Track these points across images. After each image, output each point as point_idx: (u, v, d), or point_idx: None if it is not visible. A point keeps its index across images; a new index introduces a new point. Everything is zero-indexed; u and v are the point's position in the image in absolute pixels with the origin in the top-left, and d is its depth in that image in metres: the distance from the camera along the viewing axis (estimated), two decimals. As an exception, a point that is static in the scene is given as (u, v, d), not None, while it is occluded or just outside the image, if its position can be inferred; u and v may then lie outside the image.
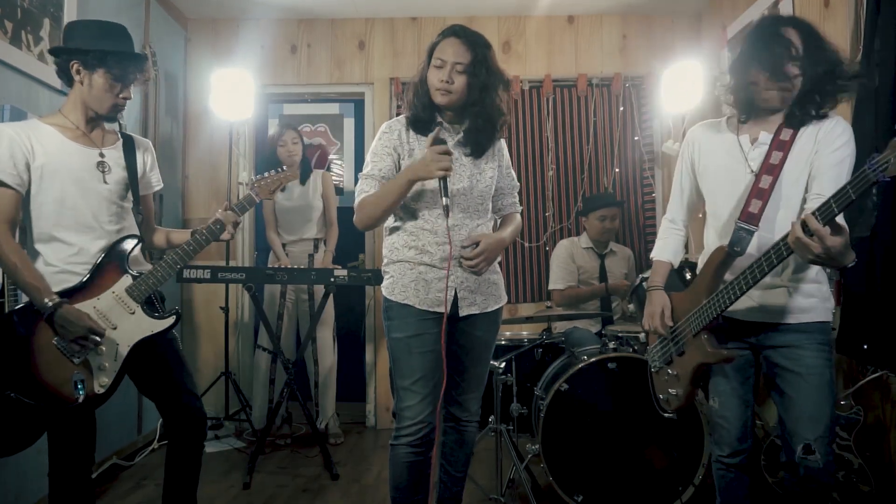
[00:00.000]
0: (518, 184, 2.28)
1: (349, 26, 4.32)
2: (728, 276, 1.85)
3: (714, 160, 1.96)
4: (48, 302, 1.89)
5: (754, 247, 1.80)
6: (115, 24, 2.09)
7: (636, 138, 4.25)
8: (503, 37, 4.30)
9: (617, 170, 4.24)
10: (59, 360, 1.94)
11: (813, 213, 1.50)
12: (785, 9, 3.14)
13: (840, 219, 1.51)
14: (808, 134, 1.79)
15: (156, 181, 2.28)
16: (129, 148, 2.17)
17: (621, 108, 4.26)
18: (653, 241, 4.14)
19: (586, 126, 4.26)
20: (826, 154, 1.75)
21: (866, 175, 1.39)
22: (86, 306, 1.97)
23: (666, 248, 2.13)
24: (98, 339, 1.94)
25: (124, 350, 2.01)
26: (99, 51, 1.97)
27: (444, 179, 1.92)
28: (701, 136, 2.01)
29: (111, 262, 2.04)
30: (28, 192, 1.96)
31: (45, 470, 2.10)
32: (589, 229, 3.69)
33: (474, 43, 2.00)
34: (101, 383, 1.97)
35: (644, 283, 2.70)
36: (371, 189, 2.04)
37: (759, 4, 3.40)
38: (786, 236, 1.59)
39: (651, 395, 2.14)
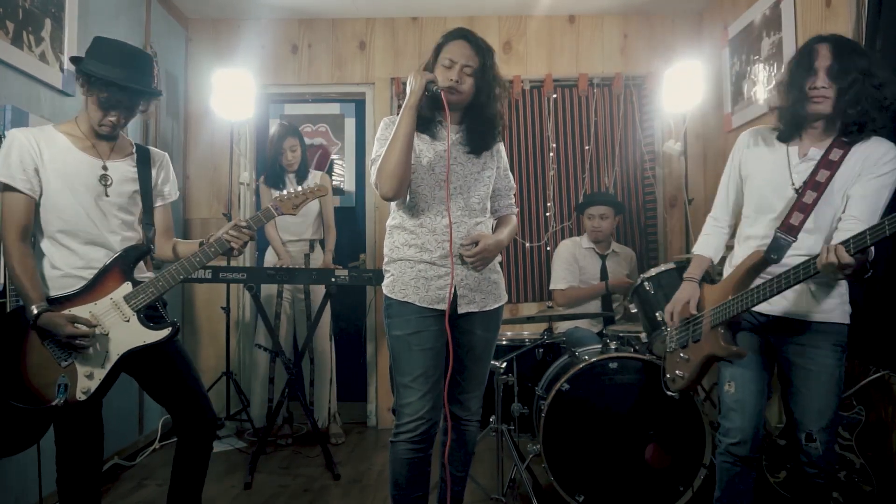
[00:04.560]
0: (514, 185, 2.30)
1: (350, 26, 4.32)
2: (758, 280, 1.93)
3: (761, 167, 2.03)
4: (34, 309, 1.92)
5: (789, 256, 1.88)
6: (136, 55, 2.10)
7: (637, 138, 4.25)
8: (504, 36, 4.30)
9: (617, 169, 4.24)
10: (49, 362, 1.95)
11: (847, 241, 1.59)
12: (786, 9, 3.14)
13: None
14: (855, 157, 1.85)
15: (168, 193, 2.28)
16: (144, 160, 2.19)
17: (622, 108, 4.26)
18: (654, 241, 4.20)
19: (587, 126, 4.26)
20: (868, 178, 1.83)
21: None
22: (82, 310, 1.98)
23: (708, 245, 2.18)
24: (82, 342, 1.93)
25: (113, 358, 1.99)
26: (96, 78, 1.98)
27: (438, 91, 1.95)
28: (751, 142, 2.08)
29: (115, 269, 2.04)
30: (40, 195, 2.01)
31: (46, 470, 2.10)
32: (585, 228, 3.71)
33: (482, 48, 2.05)
34: (83, 389, 1.96)
35: (645, 283, 2.71)
36: None
37: (759, 4, 3.40)
38: (816, 256, 1.68)
39: (660, 373, 2.22)
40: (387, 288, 2.09)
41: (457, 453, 2.23)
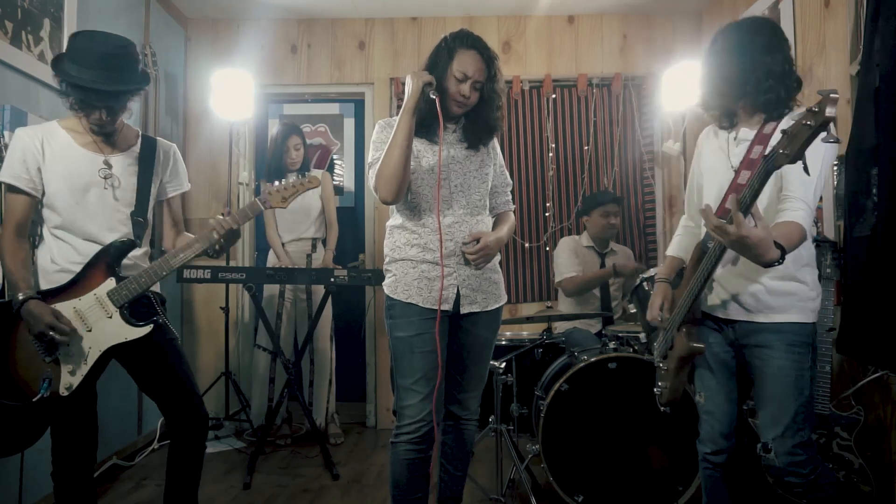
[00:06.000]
0: (511, 182, 2.32)
1: (349, 26, 4.32)
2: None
3: (708, 160, 2.02)
4: (20, 296, 1.91)
5: None
6: (112, 53, 1.98)
7: (636, 138, 4.25)
8: (503, 37, 4.30)
9: (617, 170, 4.24)
10: (35, 356, 1.95)
11: (743, 196, 1.56)
12: (785, 9, 3.15)
13: (759, 212, 1.59)
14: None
15: (174, 186, 2.24)
16: (147, 153, 2.16)
17: (621, 108, 4.26)
18: (653, 241, 4.20)
19: (586, 126, 4.26)
20: None
21: (766, 168, 1.52)
22: (66, 306, 1.97)
23: (680, 245, 2.17)
24: (59, 336, 1.90)
25: (95, 354, 1.97)
26: (68, 82, 1.95)
27: (436, 97, 1.96)
28: (704, 138, 2.07)
29: (99, 264, 2.02)
30: (42, 193, 2.02)
31: (46, 470, 2.11)
32: (591, 227, 3.69)
33: (491, 59, 2.06)
34: (65, 385, 1.95)
35: (644, 284, 2.71)
36: None
37: (759, 4, 3.41)
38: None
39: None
40: (388, 288, 2.09)
41: (456, 453, 2.23)
